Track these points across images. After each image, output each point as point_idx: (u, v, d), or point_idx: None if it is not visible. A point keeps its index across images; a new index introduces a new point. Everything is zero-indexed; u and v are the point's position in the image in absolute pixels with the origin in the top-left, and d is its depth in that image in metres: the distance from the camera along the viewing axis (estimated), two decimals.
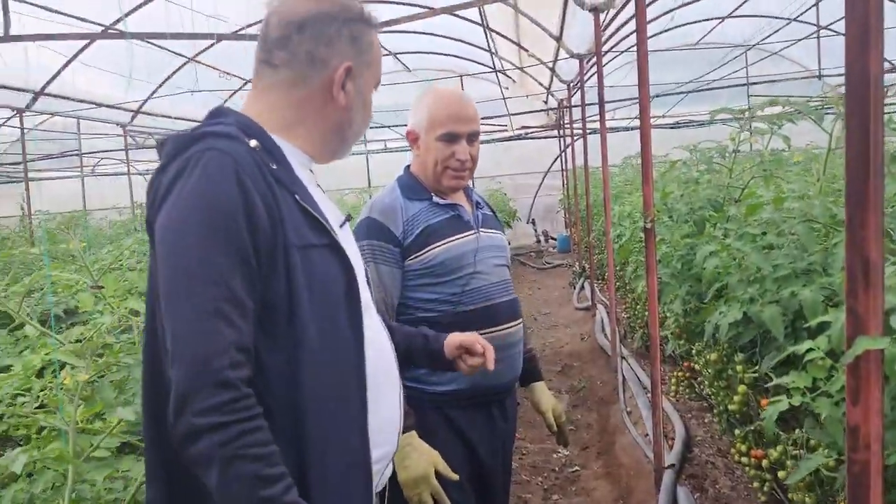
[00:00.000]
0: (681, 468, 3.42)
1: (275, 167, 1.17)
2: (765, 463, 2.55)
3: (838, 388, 1.36)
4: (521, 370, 2.15)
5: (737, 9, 9.89)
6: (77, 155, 12.46)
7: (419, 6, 8.14)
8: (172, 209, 1.10)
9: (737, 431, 2.91)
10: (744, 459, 2.71)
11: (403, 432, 1.82)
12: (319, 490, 1.13)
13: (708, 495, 3.23)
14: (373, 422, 1.22)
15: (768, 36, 10.59)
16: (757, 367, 2.30)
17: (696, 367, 3.71)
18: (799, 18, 10.22)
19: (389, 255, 1.97)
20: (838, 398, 1.36)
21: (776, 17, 10.59)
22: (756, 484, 2.75)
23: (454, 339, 1.64)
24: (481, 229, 2.09)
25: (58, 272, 1.65)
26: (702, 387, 3.77)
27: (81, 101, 9.46)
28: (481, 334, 1.88)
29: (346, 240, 1.30)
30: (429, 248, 1.97)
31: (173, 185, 1.11)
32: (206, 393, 1.02)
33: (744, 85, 11.17)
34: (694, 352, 3.60)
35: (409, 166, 2.14)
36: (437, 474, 1.78)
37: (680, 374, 4.29)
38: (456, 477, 1.81)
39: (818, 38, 10.20)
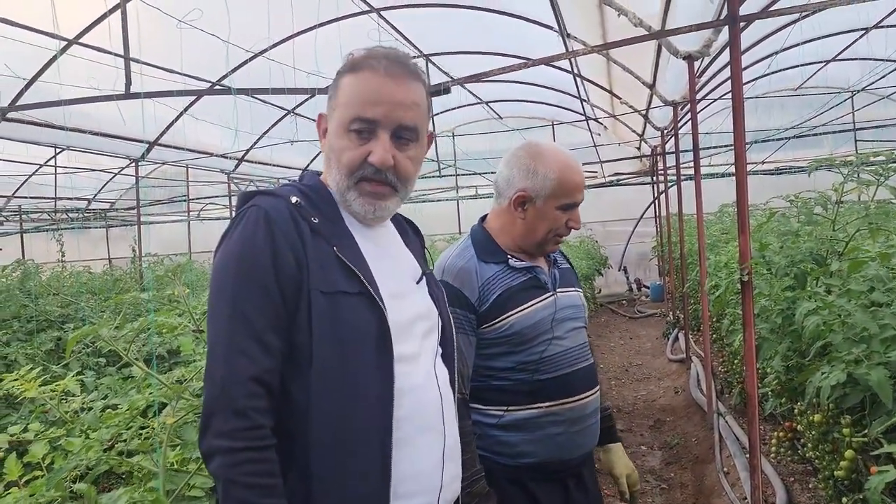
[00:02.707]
0: None
1: (316, 221, 1.27)
2: None
3: None
4: (598, 438, 2.05)
5: (842, 52, 9.53)
6: (185, 200, 13.25)
7: (514, 56, 8.28)
8: (219, 257, 1.25)
9: (844, 500, 2.73)
10: None
11: None
12: None
13: None
14: (400, 471, 1.23)
15: (877, 80, 10.12)
16: (866, 432, 2.16)
17: (799, 427, 3.50)
18: None
19: (465, 321, 1.87)
20: None
21: (885, 60, 10.14)
22: None
23: None
24: (559, 290, 2.00)
25: (163, 318, 1.75)
26: (805, 449, 3.55)
27: (190, 150, 10.07)
28: (557, 405, 1.89)
29: (415, 294, 1.37)
30: (505, 316, 1.88)
31: (225, 236, 1.27)
32: (223, 417, 1.14)
33: (850, 130, 10.70)
34: (796, 411, 3.40)
35: (483, 219, 2.07)
36: None
37: (781, 434, 4.05)
38: None
39: None
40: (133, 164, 9.85)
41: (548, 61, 4.10)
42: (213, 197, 13.60)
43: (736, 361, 5.09)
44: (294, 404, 1.21)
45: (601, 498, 2.13)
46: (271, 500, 1.14)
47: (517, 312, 1.89)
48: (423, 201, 14.11)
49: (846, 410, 2.40)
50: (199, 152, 10.11)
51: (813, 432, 2.91)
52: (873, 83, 10.47)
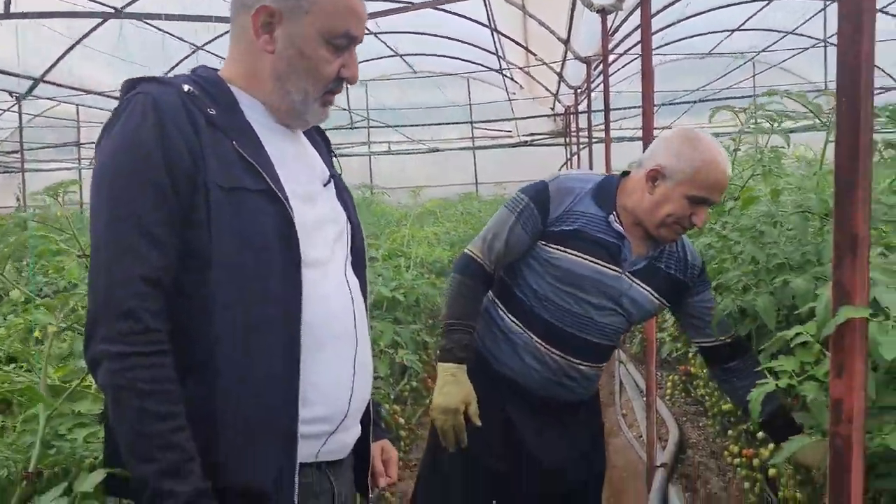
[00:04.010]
0: (673, 468, 3.40)
1: (212, 112, 1.18)
2: (756, 462, 2.54)
3: (825, 372, 1.35)
4: (578, 398, 2.05)
5: (745, 21, 9.90)
6: (76, 145, 12.46)
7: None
8: (100, 152, 1.16)
9: (730, 432, 2.90)
10: (736, 460, 2.70)
11: (456, 363, 1.89)
12: (226, 438, 1.12)
13: (699, 495, 3.21)
14: (310, 377, 1.20)
15: (771, 45, 10.58)
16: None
17: (692, 370, 3.70)
18: (801, 32, 10.22)
19: (531, 223, 1.89)
20: (825, 381, 1.35)
21: (779, 31, 10.60)
22: (747, 484, 2.73)
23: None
24: (630, 274, 1.92)
25: (43, 234, 1.64)
26: (697, 390, 3.75)
27: (83, 89, 9.44)
28: (543, 346, 1.93)
29: (321, 197, 1.30)
30: (561, 248, 1.88)
31: (106, 129, 1.17)
32: (110, 322, 1.06)
33: (750, 96, 11.17)
34: (690, 355, 3.59)
35: (626, 174, 1.99)
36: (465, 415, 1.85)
37: (676, 377, 4.27)
38: (478, 423, 1.86)
39: (825, 48, 10.18)
40: (17, 102, 9.12)
41: (438, 4, 4.05)
42: None
43: None
44: (192, 308, 1.13)
45: (590, 444, 2.14)
46: (167, 408, 1.06)
47: (573, 254, 1.88)
48: (333, 156, 13.84)
49: None
50: (93, 92, 9.51)
51: (705, 371, 3.07)
52: (767, 47, 10.91)
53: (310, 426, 1.21)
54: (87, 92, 9.58)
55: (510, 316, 1.99)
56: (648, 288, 1.94)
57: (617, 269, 1.90)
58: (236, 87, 1.25)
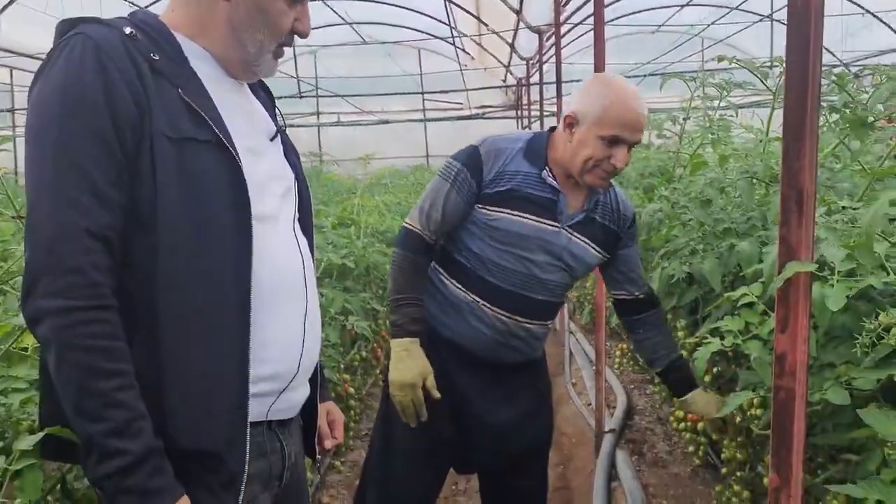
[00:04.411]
0: (621, 434, 3.47)
1: (156, 58, 1.12)
2: (700, 426, 2.61)
3: (769, 331, 1.37)
4: (525, 358, 2.05)
5: None
6: (9, 111, 11.91)
7: None
8: (36, 96, 1.08)
9: (674, 399, 2.97)
10: (681, 425, 2.76)
11: (409, 337, 1.87)
12: (176, 399, 1.09)
13: (646, 459, 3.29)
14: (260, 336, 1.17)
15: (717, 20, 10.75)
16: (698, 333, 2.33)
17: None
18: (747, 8, 10.39)
19: (466, 188, 1.89)
20: (768, 341, 1.38)
21: (726, 7, 10.75)
22: (691, 448, 2.81)
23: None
24: (569, 228, 1.92)
25: None
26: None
27: (15, 52, 9.04)
28: (488, 307, 1.93)
29: (269, 151, 1.26)
30: (498, 209, 1.87)
31: (41, 72, 1.09)
32: (54, 276, 1.00)
33: (697, 71, 11.34)
34: None
35: (553, 129, 1.98)
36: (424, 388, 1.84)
37: (625, 346, 4.35)
38: (438, 395, 1.86)
39: (771, 23, 10.37)
40: None
41: None
42: None
43: (587, 284, 5.37)
44: (136, 265, 1.07)
45: (538, 405, 2.14)
46: (114, 365, 1.02)
47: (511, 214, 1.87)
48: (277, 110, 13.55)
49: (682, 315, 2.58)
50: (27, 55, 9.09)
51: None
52: (714, 22, 11.07)
53: (260, 384, 1.18)
54: (21, 55, 9.15)
55: (453, 282, 1.98)
56: (587, 240, 1.95)
57: (555, 224, 1.91)
58: (182, 35, 1.18)
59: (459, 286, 1.97)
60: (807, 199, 1.05)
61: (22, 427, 1.26)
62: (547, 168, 1.90)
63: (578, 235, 1.93)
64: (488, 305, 1.93)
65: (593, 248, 1.96)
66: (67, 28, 1.10)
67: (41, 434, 1.08)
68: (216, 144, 1.13)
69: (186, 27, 1.19)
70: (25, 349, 1.44)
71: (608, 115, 1.79)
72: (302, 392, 1.32)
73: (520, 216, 1.87)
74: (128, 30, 1.11)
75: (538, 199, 1.88)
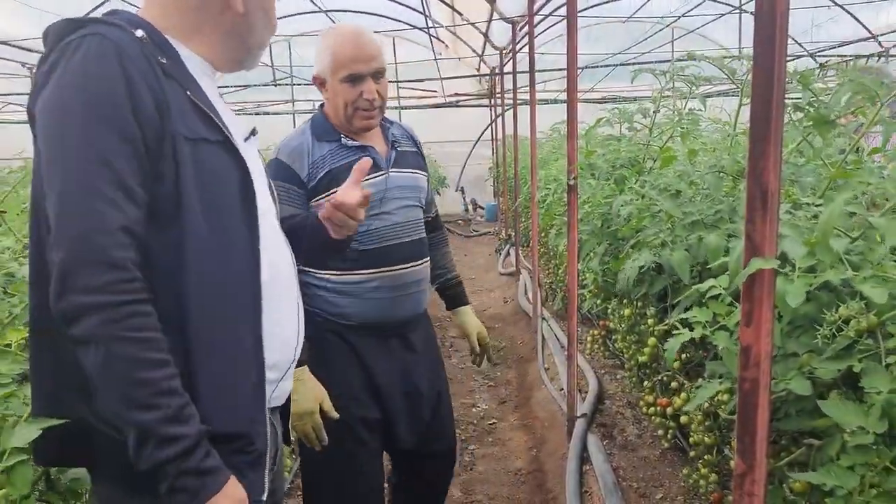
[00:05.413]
0: (592, 418, 3.54)
1: (165, 61, 1.14)
2: (669, 410, 2.68)
3: (735, 322, 1.43)
4: (423, 306, 2.20)
5: None
6: None
7: None
8: (52, 92, 1.07)
9: (646, 383, 3.04)
10: (651, 409, 2.84)
11: (298, 366, 1.87)
12: (206, 386, 1.13)
13: (616, 442, 3.37)
14: (267, 326, 1.22)
15: (687, 11, 10.83)
16: (667, 321, 2.39)
17: (611, 325, 3.84)
18: None
19: (295, 196, 1.98)
20: (735, 331, 1.43)
21: None
22: (661, 431, 2.88)
23: (327, 205, 1.57)
24: (392, 169, 2.09)
25: None
26: (615, 344, 3.91)
27: None
28: (379, 272, 2.04)
29: (248, 150, 1.28)
30: (333, 191, 1.90)
31: (53, 69, 1.08)
32: (91, 271, 1.01)
33: (668, 61, 11.42)
34: (610, 310, 3.72)
35: (322, 105, 2.12)
36: (322, 411, 1.90)
37: (596, 332, 4.43)
38: (336, 416, 1.92)
39: (740, 14, 10.48)
40: None
41: None
42: (11, 94, 11.90)
43: (560, 271, 5.43)
44: (156, 261, 1.10)
45: (435, 360, 2.31)
46: (162, 355, 1.05)
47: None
48: (256, 114, 13.46)
49: (651, 302, 2.64)
50: None
51: (623, 325, 3.20)
52: (685, 14, 11.15)
53: (266, 373, 1.23)
54: None
55: (333, 273, 2.06)
56: (409, 169, 2.15)
57: (381, 173, 2.06)
58: (172, 39, 1.20)
59: (342, 273, 2.05)
60: (771, 198, 1.10)
61: (7, 423, 1.27)
62: (341, 135, 2.04)
63: (401, 170, 2.12)
64: (378, 271, 2.05)
65: (417, 172, 2.18)
66: (74, 28, 1.10)
67: (36, 431, 1.10)
68: (224, 144, 1.17)
69: (177, 32, 1.21)
70: (9, 345, 1.45)
71: (336, 60, 1.96)
72: (290, 381, 1.37)
73: None
74: (139, 33, 1.12)
75: (354, 163, 1.99)
